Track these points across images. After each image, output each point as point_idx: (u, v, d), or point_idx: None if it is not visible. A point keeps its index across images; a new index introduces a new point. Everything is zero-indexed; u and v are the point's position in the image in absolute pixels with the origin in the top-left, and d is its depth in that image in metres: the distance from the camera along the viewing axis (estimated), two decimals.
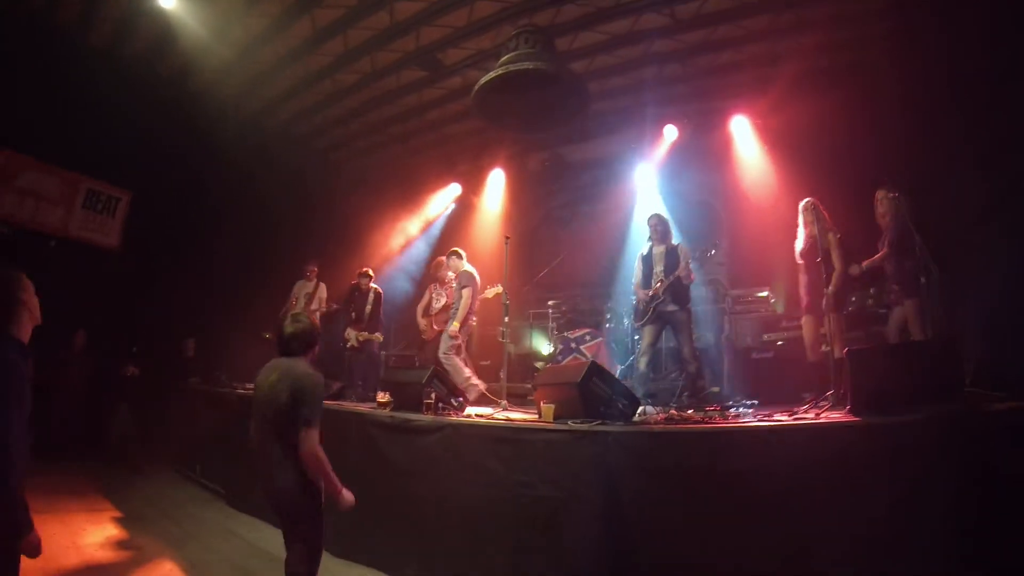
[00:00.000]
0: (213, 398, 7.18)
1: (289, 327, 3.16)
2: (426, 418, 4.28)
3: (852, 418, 3.41)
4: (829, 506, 2.96)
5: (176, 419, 8.09)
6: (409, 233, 10.92)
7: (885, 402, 3.33)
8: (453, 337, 6.28)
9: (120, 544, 4.87)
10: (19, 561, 2.24)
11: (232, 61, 8.17)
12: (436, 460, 4.07)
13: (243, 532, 5.37)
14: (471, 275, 6.59)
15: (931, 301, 4.63)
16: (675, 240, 6.12)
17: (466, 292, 6.42)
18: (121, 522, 5.40)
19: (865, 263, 5.12)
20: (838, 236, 5.12)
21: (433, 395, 4.45)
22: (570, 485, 3.44)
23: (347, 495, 3.02)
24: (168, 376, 8.59)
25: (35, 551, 2.23)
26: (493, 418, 4.41)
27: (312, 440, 2.86)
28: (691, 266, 5.89)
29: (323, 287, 8.28)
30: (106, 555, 4.58)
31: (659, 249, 5.95)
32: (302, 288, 8.32)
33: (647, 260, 6.00)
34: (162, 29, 7.65)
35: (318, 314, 7.98)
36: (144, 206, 9.08)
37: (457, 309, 6.41)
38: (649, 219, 6.17)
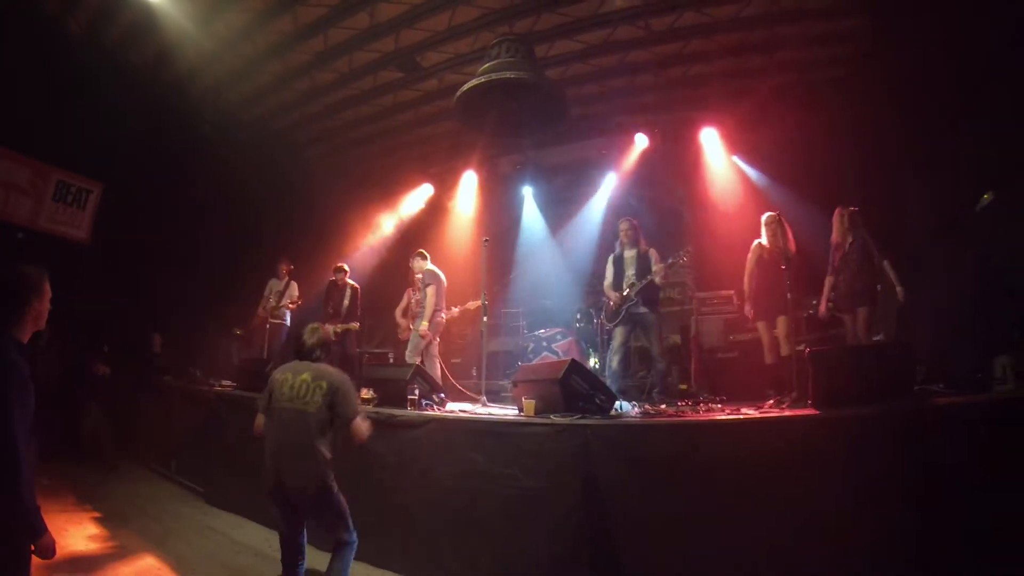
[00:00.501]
0: (188, 395, 7.14)
1: (310, 338, 3.54)
2: (411, 413, 4.43)
3: (814, 412, 3.72)
4: (794, 491, 3.22)
5: (148, 416, 7.95)
6: (384, 232, 10.96)
7: (844, 398, 3.64)
8: (423, 336, 6.42)
9: (103, 542, 4.85)
10: (30, 564, 2.26)
11: (211, 54, 8.07)
12: (421, 454, 4.22)
13: (224, 528, 5.40)
14: (434, 273, 6.74)
15: (884, 309, 5.02)
16: (644, 245, 6.33)
17: (430, 290, 6.57)
18: (101, 521, 5.35)
19: (823, 304, 5.56)
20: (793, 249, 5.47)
21: (416, 391, 4.60)
22: (552, 476, 3.65)
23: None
24: (137, 372, 8.47)
25: (49, 552, 2.26)
26: (475, 413, 4.57)
27: (364, 425, 3.44)
28: (661, 270, 6.06)
29: (294, 285, 8.31)
30: (90, 554, 4.55)
31: (630, 253, 6.17)
32: (273, 286, 8.33)
33: (618, 263, 6.22)
34: (141, 17, 7.52)
35: (287, 311, 8.02)
36: (115, 199, 8.89)
37: (424, 308, 6.55)
38: (620, 223, 6.38)
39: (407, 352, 6.55)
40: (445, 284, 6.91)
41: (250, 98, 9.54)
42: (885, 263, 5.14)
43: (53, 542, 2.27)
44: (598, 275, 9.40)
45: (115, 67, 8.34)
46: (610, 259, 6.35)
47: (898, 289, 5.08)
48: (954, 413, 3.39)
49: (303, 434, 3.27)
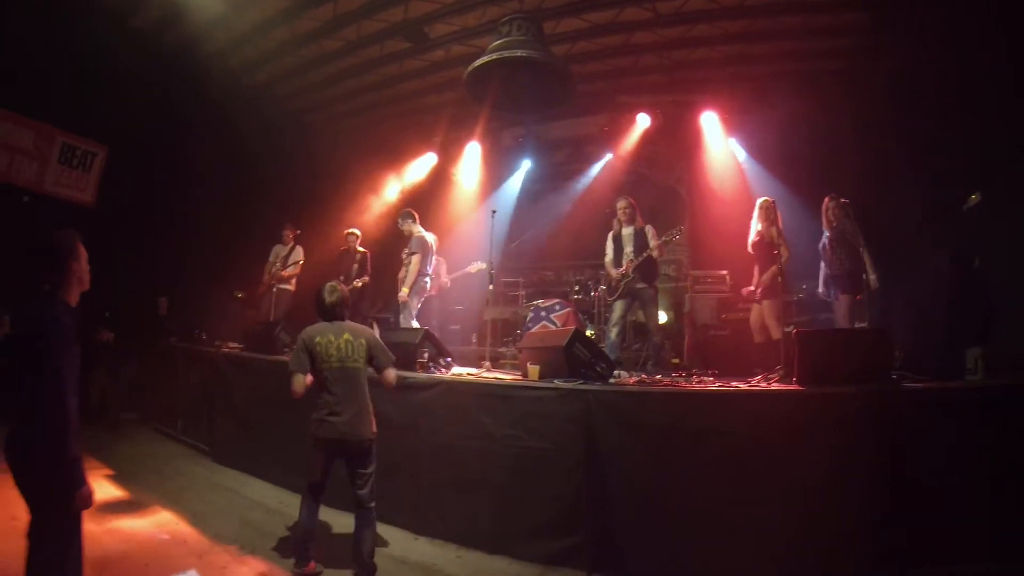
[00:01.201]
0: (194, 357, 7.31)
1: (330, 297, 3.72)
2: (421, 376, 4.67)
3: (799, 387, 3.98)
4: (775, 458, 3.50)
5: (154, 378, 8.14)
6: (387, 198, 11.06)
7: (826, 376, 3.89)
8: (403, 303, 6.62)
9: (119, 500, 5.02)
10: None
11: (217, 18, 8.02)
12: (431, 415, 4.47)
13: (233, 485, 5.63)
14: (422, 241, 6.86)
15: (867, 296, 5.30)
16: (640, 222, 6.48)
17: (415, 259, 6.70)
18: (115, 479, 5.53)
19: (822, 287, 5.80)
20: (781, 234, 5.70)
21: (426, 355, 4.83)
22: (555, 437, 3.92)
23: None
24: (143, 335, 8.61)
25: (88, 502, 2.41)
26: (482, 377, 4.83)
27: (395, 374, 3.79)
28: (657, 247, 6.24)
29: (299, 250, 8.37)
30: (108, 509, 4.71)
31: (628, 231, 6.36)
32: (278, 252, 8.42)
33: (617, 240, 6.43)
34: None
35: (291, 277, 8.15)
36: (120, 162, 8.89)
37: (406, 275, 6.70)
38: (618, 202, 6.57)
39: (401, 320, 6.73)
40: (433, 248, 7.06)
41: (254, 63, 9.52)
42: (862, 251, 5.37)
43: (91, 492, 2.43)
44: (596, 248, 9.73)
45: (119, 30, 8.29)
46: (609, 236, 6.55)
47: (871, 277, 5.32)
48: (927, 397, 3.66)
49: (358, 389, 3.61)
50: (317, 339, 3.60)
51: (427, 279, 7.02)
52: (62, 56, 7.78)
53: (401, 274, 6.94)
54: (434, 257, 7.33)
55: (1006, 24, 5.17)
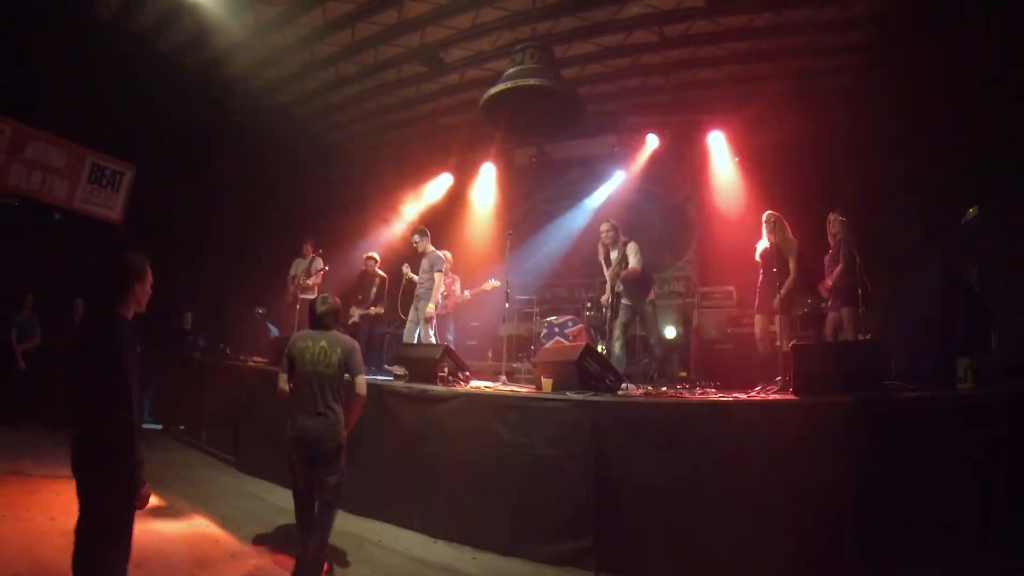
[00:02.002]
0: (220, 370, 7.59)
1: (321, 307, 3.91)
2: (440, 388, 4.93)
3: (795, 398, 4.20)
4: (776, 462, 3.70)
5: (179, 390, 8.38)
6: (404, 218, 11.34)
7: (821, 387, 4.10)
8: (429, 319, 6.75)
9: (153, 505, 5.10)
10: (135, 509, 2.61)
11: (239, 43, 8.45)
12: (449, 425, 4.72)
13: (259, 493, 5.81)
14: (441, 258, 7.03)
15: (864, 310, 5.50)
16: (623, 239, 6.53)
17: (438, 276, 6.85)
18: None
19: (826, 286, 5.94)
20: (797, 246, 5.88)
21: (446, 369, 5.10)
22: (566, 445, 4.15)
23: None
24: (166, 348, 8.92)
25: (145, 502, 2.60)
26: (499, 389, 5.08)
27: (364, 382, 3.84)
28: (637, 261, 6.28)
29: (319, 260, 8.47)
30: (145, 513, 4.94)
31: (614, 253, 6.53)
32: (299, 266, 8.64)
33: (606, 262, 6.65)
34: (169, 5, 7.89)
35: (315, 287, 8.34)
36: (146, 181, 9.28)
37: (430, 290, 6.82)
38: (601, 227, 6.70)
39: (424, 335, 6.88)
40: (449, 266, 7.28)
41: (276, 86, 9.94)
42: (858, 266, 5.52)
43: (149, 494, 2.62)
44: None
45: (147, 54, 8.74)
46: (601, 260, 6.77)
47: (863, 292, 5.48)
48: (918, 405, 3.84)
49: (327, 394, 3.70)
50: (299, 344, 3.81)
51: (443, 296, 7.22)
52: (92, 80, 8.18)
53: (420, 290, 7.04)
54: (448, 277, 7.56)
55: (1004, 39, 5.36)
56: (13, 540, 3.90)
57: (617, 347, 6.35)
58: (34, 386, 7.83)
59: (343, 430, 3.76)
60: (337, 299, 4.06)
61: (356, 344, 3.91)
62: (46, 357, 7.89)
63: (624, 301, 6.32)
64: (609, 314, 6.50)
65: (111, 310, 2.68)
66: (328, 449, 3.69)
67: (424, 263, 7.07)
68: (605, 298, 6.43)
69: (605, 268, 6.67)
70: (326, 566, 3.72)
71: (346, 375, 3.82)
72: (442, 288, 7.00)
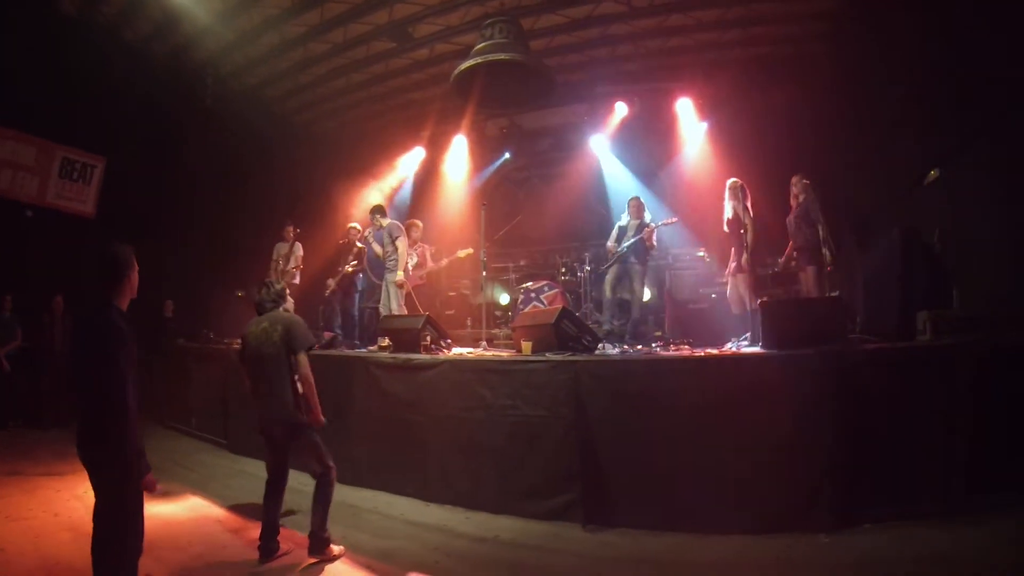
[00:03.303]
0: (205, 355, 7.65)
1: (261, 293, 3.96)
2: (425, 357, 5.10)
3: (763, 351, 4.43)
4: (747, 413, 3.93)
5: (164, 378, 8.39)
6: (377, 193, 11.33)
7: (788, 341, 4.32)
8: (400, 286, 6.89)
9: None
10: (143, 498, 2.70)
11: (205, 28, 8.33)
12: (435, 392, 4.90)
13: (254, 471, 5.78)
14: (399, 225, 7.21)
15: (828, 268, 5.77)
16: (647, 217, 7.09)
17: (401, 244, 6.98)
18: None
19: (783, 259, 6.32)
20: (751, 213, 6.11)
21: (428, 338, 5.26)
22: (548, 405, 4.36)
23: (321, 417, 3.77)
24: (148, 337, 8.90)
25: (153, 487, 2.70)
26: (481, 355, 5.27)
27: (305, 362, 3.71)
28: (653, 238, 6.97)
29: (299, 246, 8.55)
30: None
31: (634, 222, 7.03)
32: (280, 250, 8.63)
33: (623, 229, 7.10)
34: None
35: (296, 272, 8.42)
36: (118, 172, 9.19)
37: (396, 259, 6.95)
38: (629, 200, 7.26)
39: (390, 305, 6.95)
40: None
41: (244, 69, 9.81)
42: (819, 227, 5.81)
43: (154, 481, 2.70)
44: (579, 231, 10.47)
45: (113, 43, 8.57)
46: (616, 224, 7.24)
47: (826, 250, 5.77)
48: (880, 356, 4.09)
49: (269, 374, 3.70)
50: (247, 331, 3.90)
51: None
52: (59, 72, 8.05)
53: (389, 263, 7.09)
54: (418, 247, 7.71)
55: (970, 5, 5.55)
56: (20, 538, 4.01)
57: (607, 291, 6.94)
58: (19, 387, 7.85)
59: (296, 410, 3.70)
60: (281, 284, 4.07)
61: (297, 320, 3.85)
62: (28, 358, 7.89)
63: (631, 259, 6.81)
64: (604, 267, 6.96)
65: (107, 301, 2.73)
66: (283, 430, 3.73)
67: (384, 237, 7.16)
68: (611, 244, 6.98)
69: (615, 231, 7.15)
70: (330, 547, 3.73)
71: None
72: (413, 257, 7.14)
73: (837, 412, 3.85)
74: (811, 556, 3.49)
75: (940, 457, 3.78)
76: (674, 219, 7.15)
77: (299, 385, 3.71)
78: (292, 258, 8.47)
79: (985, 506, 3.64)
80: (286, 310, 4.14)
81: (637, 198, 7.28)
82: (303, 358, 3.70)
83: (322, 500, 3.74)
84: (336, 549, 3.75)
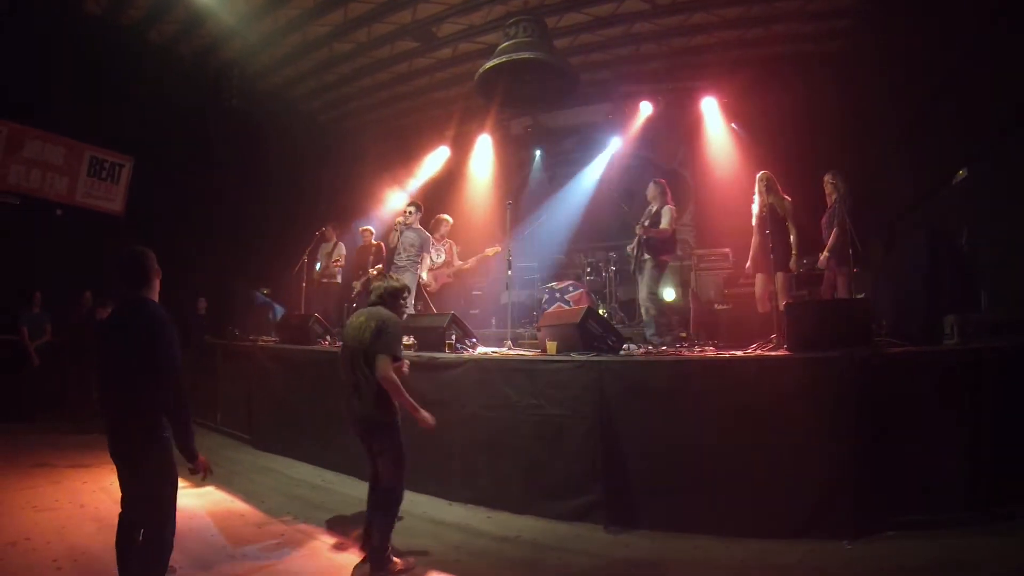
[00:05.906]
0: (232, 352, 7.75)
1: (375, 282, 3.91)
2: (450, 355, 5.11)
3: (788, 354, 4.35)
4: (771, 416, 3.86)
5: (191, 374, 8.53)
6: (402, 191, 11.44)
7: (813, 343, 4.24)
8: (425, 286, 6.95)
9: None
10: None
11: (230, 28, 8.48)
12: (460, 390, 4.89)
13: (278, 468, 6.05)
14: (429, 239, 7.17)
15: (853, 270, 5.64)
16: (659, 203, 6.63)
17: (426, 257, 7.02)
18: None
19: (824, 253, 6.00)
20: (791, 204, 5.94)
21: (453, 336, 5.28)
22: (572, 405, 4.33)
23: (425, 415, 3.57)
24: (184, 335, 9.01)
25: (208, 470, 2.82)
26: (506, 355, 5.27)
27: (385, 365, 3.45)
28: (668, 223, 6.41)
29: (341, 245, 8.73)
30: None
31: (651, 208, 6.64)
32: (324, 249, 8.72)
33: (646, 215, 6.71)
34: None
35: (338, 269, 8.56)
36: (146, 171, 9.35)
37: (409, 263, 6.88)
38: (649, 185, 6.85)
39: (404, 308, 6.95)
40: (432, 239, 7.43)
41: (270, 69, 9.99)
42: (848, 227, 5.62)
43: (206, 462, 2.83)
44: (605, 231, 10.24)
45: (139, 44, 8.79)
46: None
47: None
48: (905, 360, 3.99)
49: (357, 369, 3.56)
50: (348, 320, 3.84)
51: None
52: (86, 73, 8.26)
53: (403, 262, 6.98)
54: (445, 243, 7.74)
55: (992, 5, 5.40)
56: (47, 528, 4.09)
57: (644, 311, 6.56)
58: (48, 381, 8.02)
59: (375, 408, 3.53)
60: (401, 283, 3.90)
61: (392, 319, 3.65)
62: (57, 352, 8.07)
63: (644, 256, 6.45)
64: (633, 266, 6.67)
65: (143, 300, 2.80)
66: (367, 427, 3.61)
67: (412, 236, 7.05)
68: (631, 248, 6.62)
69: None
70: (395, 562, 3.52)
71: None
72: (441, 254, 7.25)
73: (861, 416, 3.77)
74: (833, 563, 3.42)
75: (966, 464, 3.67)
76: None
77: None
78: (334, 256, 8.59)
79: (1012, 515, 3.55)
80: (402, 307, 3.99)
81: (652, 182, 6.79)
82: (383, 360, 3.47)
83: (382, 513, 3.55)
84: (400, 563, 3.56)
